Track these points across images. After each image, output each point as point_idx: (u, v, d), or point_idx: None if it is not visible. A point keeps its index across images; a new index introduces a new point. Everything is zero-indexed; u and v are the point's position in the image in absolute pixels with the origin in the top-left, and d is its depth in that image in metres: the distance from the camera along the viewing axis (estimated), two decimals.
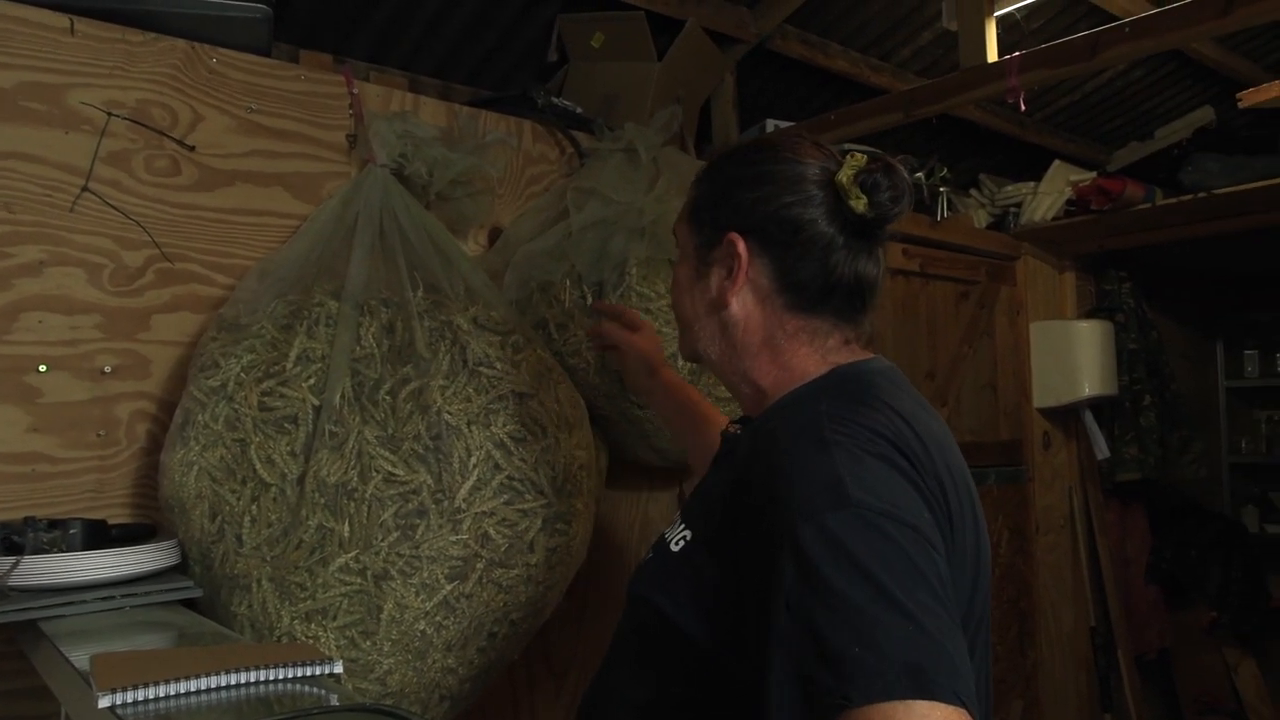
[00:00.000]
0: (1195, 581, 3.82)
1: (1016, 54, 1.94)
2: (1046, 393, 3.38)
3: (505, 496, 1.40)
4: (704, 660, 0.90)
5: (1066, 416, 3.50)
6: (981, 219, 3.32)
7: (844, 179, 0.97)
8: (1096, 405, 3.50)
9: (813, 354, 1.01)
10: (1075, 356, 3.34)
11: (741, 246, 1.01)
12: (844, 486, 0.79)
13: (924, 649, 0.70)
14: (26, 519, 1.24)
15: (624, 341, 1.57)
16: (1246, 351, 4.64)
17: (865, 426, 0.86)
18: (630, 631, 1.03)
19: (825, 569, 0.74)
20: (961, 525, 0.90)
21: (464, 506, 1.36)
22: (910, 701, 0.67)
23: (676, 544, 0.97)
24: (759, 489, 0.87)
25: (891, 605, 0.72)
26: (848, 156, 1.00)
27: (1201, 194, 2.88)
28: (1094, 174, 3.16)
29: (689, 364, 1.58)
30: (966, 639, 0.87)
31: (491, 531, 1.38)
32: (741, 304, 1.02)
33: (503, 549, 1.39)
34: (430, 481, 1.35)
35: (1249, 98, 2.09)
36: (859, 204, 0.96)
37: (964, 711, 0.68)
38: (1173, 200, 2.98)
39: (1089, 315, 3.59)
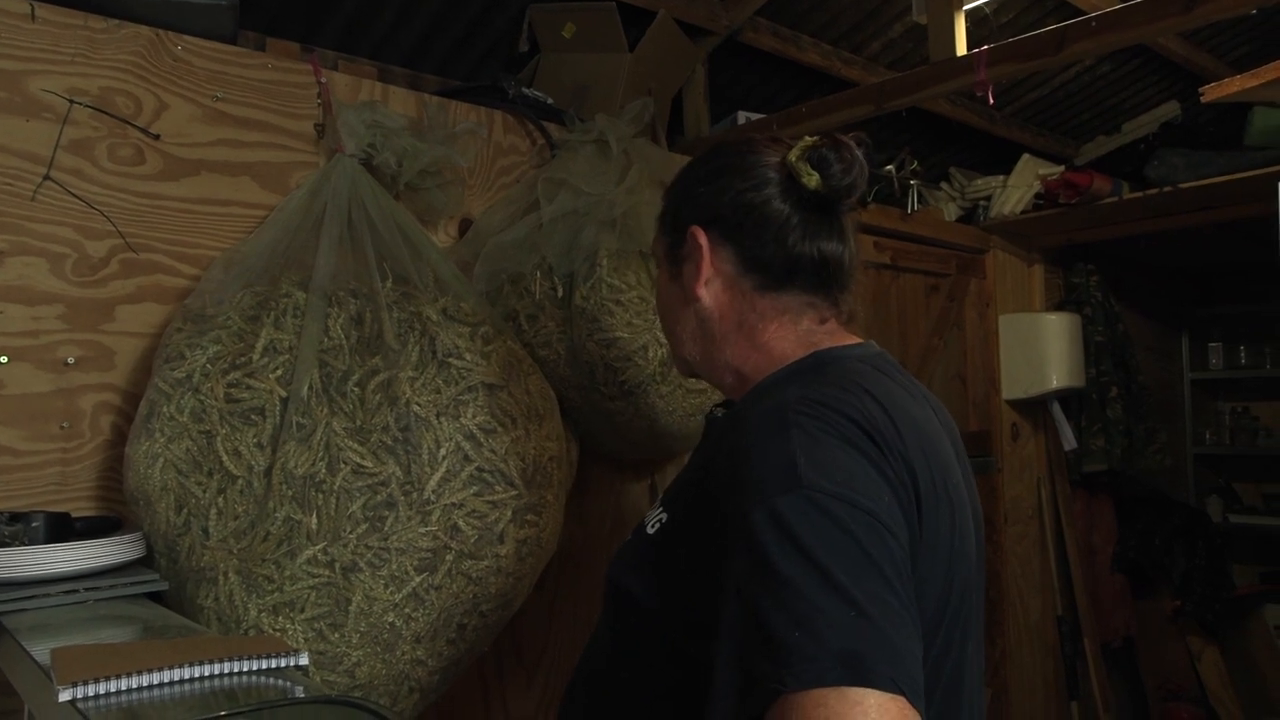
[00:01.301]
0: (1160, 570, 3.89)
1: (985, 47, 1.95)
2: (1015, 384, 3.42)
3: (475, 488, 1.39)
4: (677, 644, 0.90)
5: (1034, 408, 3.54)
6: (951, 212, 3.34)
7: (793, 157, 1.00)
8: (1064, 397, 3.54)
9: (789, 335, 1.03)
10: (1043, 349, 3.38)
11: (702, 237, 1.05)
12: (797, 469, 0.79)
13: (864, 636, 0.70)
14: None
15: None
16: (1210, 344, 4.71)
17: (831, 409, 0.86)
18: (609, 616, 1.04)
19: (772, 553, 0.74)
20: (934, 515, 0.88)
21: (433, 498, 1.35)
22: (844, 688, 0.67)
23: (652, 527, 0.98)
24: (723, 472, 0.87)
25: (834, 591, 0.71)
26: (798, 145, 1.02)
27: (1167, 188, 2.92)
28: (1062, 168, 3.20)
29: None
30: (943, 633, 0.87)
31: (461, 523, 1.37)
32: (712, 293, 1.06)
33: (472, 541, 1.38)
34: (399, 473, 1.35)
35: (1211, 93, 2.12)
36: (811, 180, 0.98)
37: (902, 699, 0.68)
38: (1139, 194, 3.01)
39: (1057, 308, 3.63)
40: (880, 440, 0.85)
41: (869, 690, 0.67)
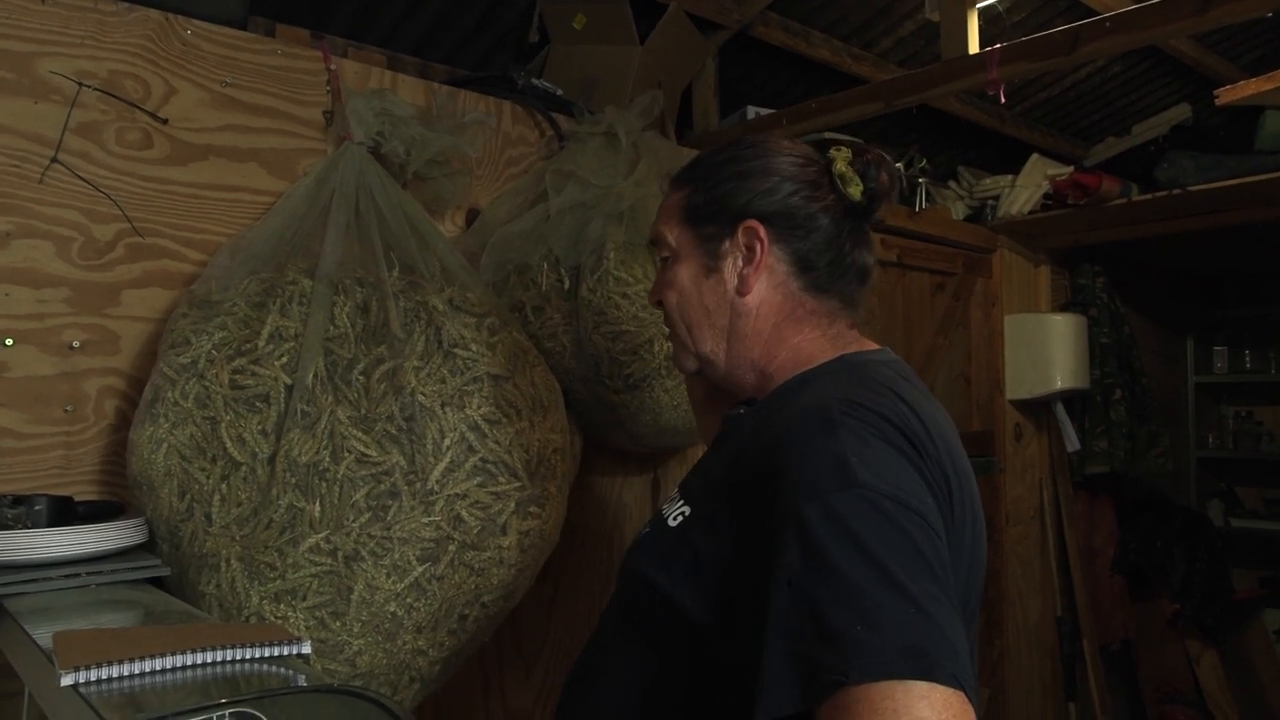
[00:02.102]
0: (1160, 574, 3.88)
1: (997, 46, 1.94)
2: (1019, 385, 3.41)
3: (478, 479, 1.39)
4: (697, 636, 0.91)
5: (1038, 409, 3.53)
6: (959, 211, 3.33)
7: (842, 168, 1.04)
8: (1068, 398, 3.53)
9: (822, 338, 1.05)
10: (1048, 349, 3.37)
11: (764, 232, 1.04)
12: (850, 468, 0.80)
13: (925, 632, 0.71)
14: None
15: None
16: (1215, 348, 4.70)
17: (873, 410, 0.87)
18: (622, 608, 1.03)
19: (830, 550, 0.75)
20: (961, 516, 0.91)
21: (436, 488, 1.35)
22: (909, 682, 0.68)
23: (674, 519, 0.98)
24: (762, 467, 0.88)
25: (894, 588, 0.73)
26: (833, 149, 1.06)
27: (1176, 191, 2.90)
28: (1071, 169, 3.18)
29: None
30: None
31: (464, 514, 1.37)
32: (759, 289, 1.05)
33: (475, 531, 1.38)
34: (403, 463, 1.34)
35: (1226, 95, 2.11)
36: (856, 191, 1.04)
37: (962, 694, 0.70)
38: (1148, 196, 3.00)
39: (1063, 309, 3.62)
40: (918, 444, 0.87)
41: (934, 684, 0.69)
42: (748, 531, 0.85)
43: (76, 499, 1.32)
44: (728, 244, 1.06)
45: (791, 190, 1.04)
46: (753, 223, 1.04)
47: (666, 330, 1.16)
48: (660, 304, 1.15)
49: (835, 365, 1.02)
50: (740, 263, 1.06)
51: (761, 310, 1.06)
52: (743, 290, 1.05)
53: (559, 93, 2.10)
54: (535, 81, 2.06)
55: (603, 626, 1.06)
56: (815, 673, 0.72)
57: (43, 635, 0.95)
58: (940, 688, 0.69)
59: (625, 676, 0.98)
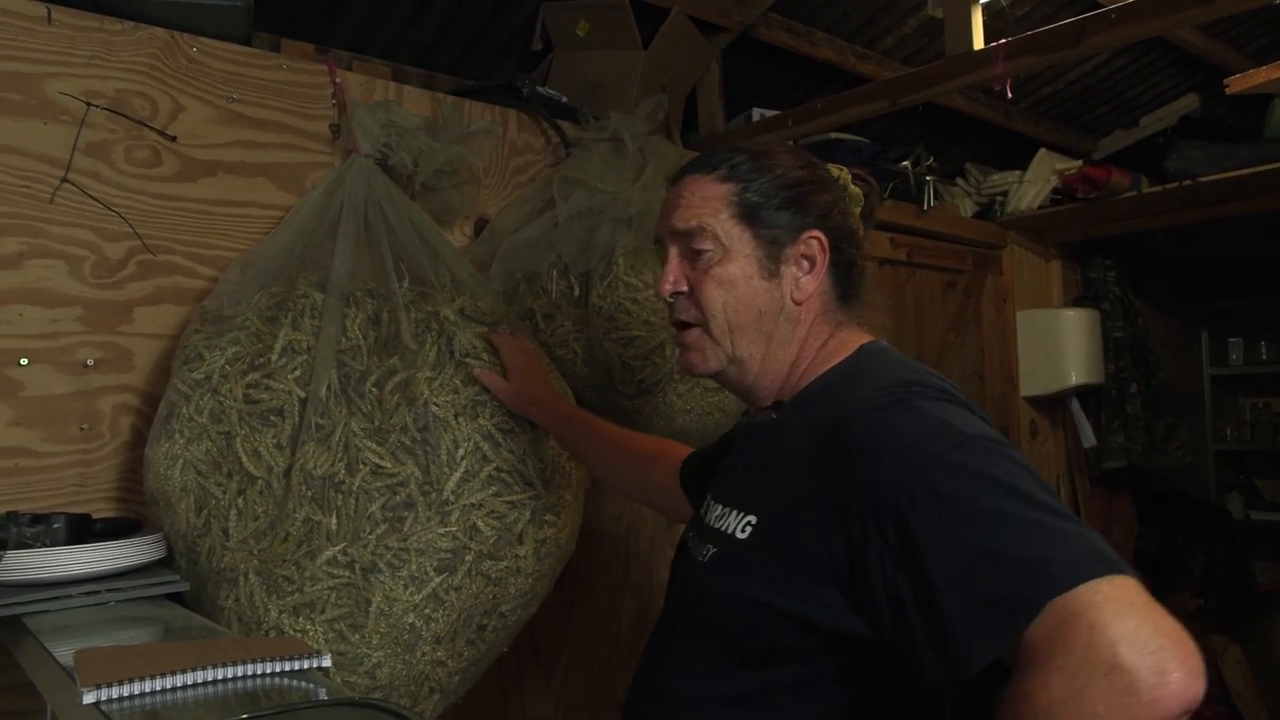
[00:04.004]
0: (1181, 568, 3.85)
1: (1002, 41, 1.94)
2: (1033, 381, 3.40)
3: (493, 488, 1.39)
4: (818, 633, 0.90)
5: (1053, 405, 3.51)
6: (967, 208, 3.32)
7: (855, 189, 1.13)
8: (1083, 393, 3.51)
9: (844, 338, 1.10)
10: (1061, 345, 3.35)
11: (826, 242, 1.08)
12: (950, 427, 0.86)
13: (1091, 538, 0.77)
14: (9, 514, 1.23)
15: (490, 386, 1.44)
16: (1231, 339, 4.66)
17: (927, 385, 0.94)
18: (704, 629, 1.01)
19: (970, 496, 0.80)
20: None
21: (452, 499, 1.35)
22: (1107, 577, 0.73)
23: (743, 531, 0.98)
24: (845, 461, 0.90)
25: (1045, 509, 0.79)
26: (835, 168, 1.15)
27: (1186, 181, 2.89)
28: (1080, 162, 3.17)
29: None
30: None
31: (480, 523, 1.37)
32: (811, 298, 1.09)
33: (491, 541, 1.38)
34: (418, 474, 1.34)
35: (1236, 84, 2.10)
36: (858, 207, 1.14)
37: (1139, 584, 0.75)
38: (1158, 188, 2.99)
39: (1075, 303, 3.60)
40: (970, 405, 0.93)
41: (1126, 578, 0.74)
42: (851, 523, 0.86)
43: (94, 516, 1.33)
44: (789, 250, 1.07)
45: (841, 205, 1.11)
46: (819, 233, 1.07)
47: (674, 325, 1.13)
48: (679, 295, 1.11)
49: (862, 355, 1.06)
50: (800, 270, 1.07)
51: (804, 317, 1.08)
52: (798, 298, 1.07)
53: (564, 100, 2.10)
54: (540, 89, 2.06)
55: (670, 648, 1.04)
56: (1014, 603, 0.74)
57: (63, 653, 0.95)
58: (1130, 580, 0.74)
59: (721, 693, 0.96)
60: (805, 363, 1.08)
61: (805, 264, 1.08)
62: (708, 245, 1.08)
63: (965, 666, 0.76)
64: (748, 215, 1.07)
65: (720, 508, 1.05)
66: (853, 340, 1.09)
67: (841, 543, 0.87)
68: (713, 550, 1.02)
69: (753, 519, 0.98)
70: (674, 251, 1.11)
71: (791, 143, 1.23)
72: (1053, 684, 0.71)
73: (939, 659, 0.79)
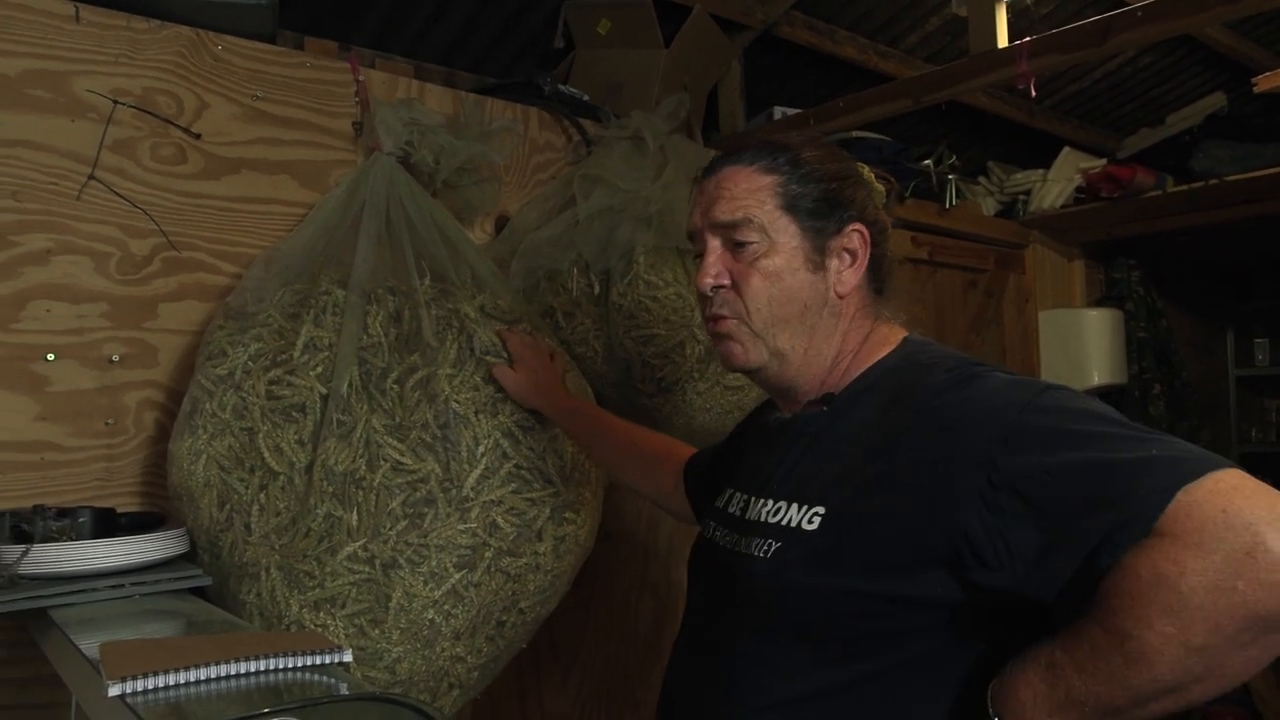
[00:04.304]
0: None
1: (1027, 39, 1.92)
2: (1054, 381, 3.37)
3: (513, 485, 1.39)
4: (915, 611, 0.90)
5: None
6: (990, 207, 3.30)
7: (880, 186, 1.13)
8: (1105, 394, 3.48)
9: (888, 331, 1.11)
10: (1084, 345, 3.32)
11: (868, 236, 1.08)
12: (1033, 380, 0.92)
13: (1195, 445, 0.81)
14: (36, 507, 1.24)
15: (498, 377, 1.44)
16: (1256, 340, 4.61)
17: (983, 366, 0.97)
18: (775, 627, 0.97)
19: (1074, 426, 0.84)
20: None
21: (472, 495, 1.36)
22: (1225, 469, 0.77)
23: (810, 522, 0.97)
24: (923, 434, 0.92)
25: (1145, 429, 0.84)
26: (859, 164, 1.15)
27: (1212, 181, 2.86)
28: (1104, 161, 3.14)
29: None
30: None
31: (500, 520, 1.37)
32: (853, 291, 1.09)
33: (511, 538, 1.38)
34: (438, 470, 1.35)
35: (1264, 82, 2.07)
36: (881, 204, 1.14)
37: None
38: (1183, 187, 2.96)
39: (1098, 303, 3.58)
40: None
41: (1237, 469, 0.78)
42: (945, 492, 0.88)
43: (118, 510, 1.34)
44: (833, 242, 1.07)
45: (876, 201, 1.11)
46: (861, 226, 1.08)
47: (711, 319, 1.10)
48: (720, 288, 1.08)
49: (908, 347, 1.08)
50: (842, 263, 1.08)
51: (845, 310, 1.09)
52: (841, 290, 1.07)
53: (585, 98, 2.10)
54: (561, 87, 2.06)
55: (735, 650, 1.00)
56: (1140, 503, 0.77)
57: (89, 645, 0.96)
58: (1241, 471, 0.77)
59: (796, 690, 0.94)
60: (849, 356, 1.08)
61: (847, 257, 1.08)
62: (753, 237, 1.06)
63: (1096, 569, 0.78)
64: (792, 207, 1.06)
65: (768, 501, 1.03)
66: (893, 334, 1.10)
67: (937, 513, 0.88)
68: (775, 545, 0.99)
69: (820, 510, 0.97)
70: (715, 244, 1.09)
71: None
72: (1184, 559, 0.74)
73: (1064, 574, 0.80)
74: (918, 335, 1.11)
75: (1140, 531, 0.76)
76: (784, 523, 0.99)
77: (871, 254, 1.09)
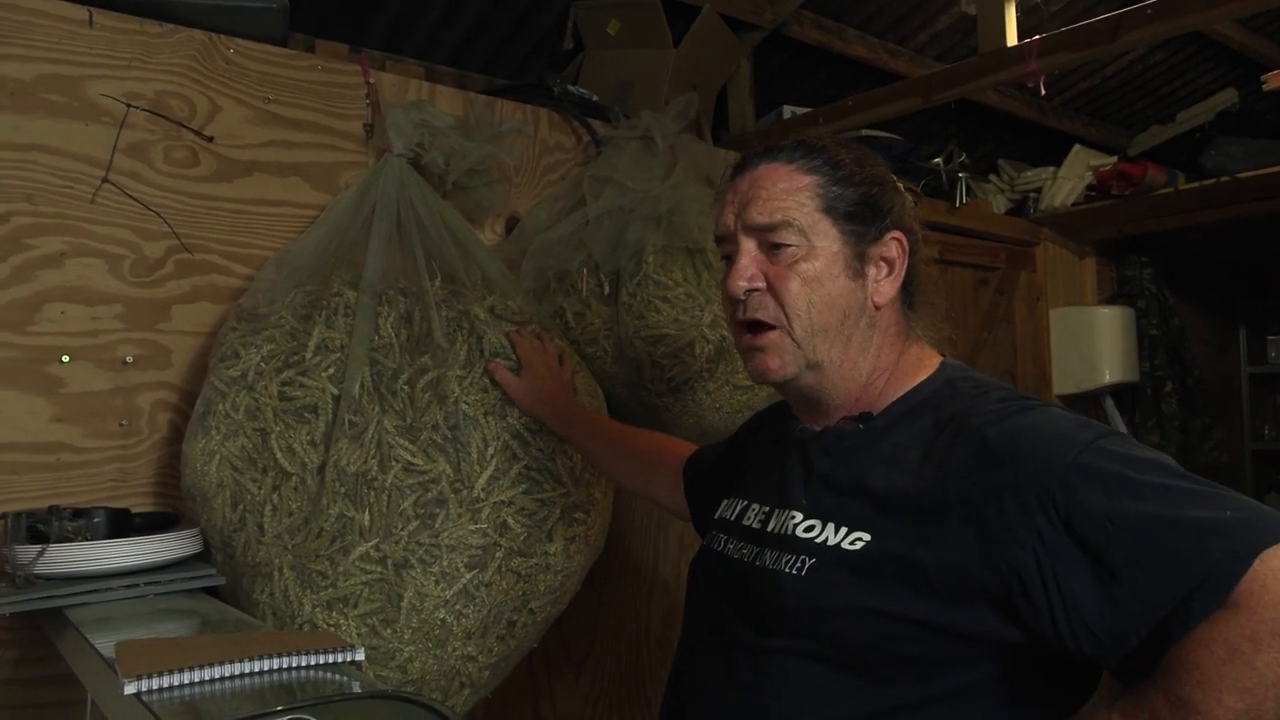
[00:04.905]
0: None
1: (1037, 37, 1.92)
2: (1067, 379, 3.36)
3: (523, 486, 1.40)
4: (959, 643, 0.88)
5: (1087, 403, 3.47)
6: (1000, 205, 3.29)
7: (907, 196, 1.11)
8: (1117, 392, 3.47)
9: (921, 353, 1.07)
10: (1096, 343, 3.31)
11: (906, 244, 1.05)
12: (1090, 423, 0.90)
13: (1260, 504, 0.80)
14: (51, 508, 1.26)
15: (501, 381, 1.43)
16: (1269, 337, 4.58)
17: (1030, 399, 0.96)
18: (814, 647, 0.94)
19: (1139, 475, 0.81)
20: None
21: (482, 496, 1.36)
22: None
23: (851, 543, 0.94)
24: (974, 466, 0.89)
25: (1205, 482, 0.82)
26: None
27: (1224, 178, 2.84)
28: (1115, 158, 3.13)
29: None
30: None
31: (510, 520, 1.38)
32: (890, 302, 1.05)
33: (521, 538, 1.39)
34: (449, 471, 1.36)
35: (1275, 79, 2.06)
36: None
37: None
38: (1195, 185, 2.94)
39: (1109, 301, 3.56)
40: None
41: None
42: (997, 529, 0.85)
43: (133, 511, 1.35)
44: (872, 249, 1.03)
45: (909, 210, 1.07)
46: (900, 234, 1.04)
47: (747, 330, 1.05)
48: (754, 291, 1.03)
49: (949, 372, 1.04)
50: (880, 272, 1.03)
51: (882, 321, 1.04)
52: (879, 301, 1.03)
53: (595, 98, 2.10)
54: (571, 88, 2.06)
55: (777, 675, 0.96)
56: (1213, 569, 0.75)
57: (104, 644, 0.97)
58: None
59: (847, 713, 0.92)
60: (884, 374, 1.04)
61: (885, 266, 1.03)
62: (792, 240, 1.01)
63: (1168, 638, 0.76)
64: (832, 209, 1.01)
65: (796, 515, 1.00)
66: (928, 355, 1.06)
67: (990, 548, 0.85)
68: (810, 561, 0.95)
69: (865, 536, 0.93)
70: (750, 245, 1.03)
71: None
72: (1261, 635, 0.72)
73: (1129, 640, 0.79)
74: (951, 358, 1.07)
75: (1215, 603, 0.74)
76: (820, 541, 0.96)
77: (911, 263, 1.05)
